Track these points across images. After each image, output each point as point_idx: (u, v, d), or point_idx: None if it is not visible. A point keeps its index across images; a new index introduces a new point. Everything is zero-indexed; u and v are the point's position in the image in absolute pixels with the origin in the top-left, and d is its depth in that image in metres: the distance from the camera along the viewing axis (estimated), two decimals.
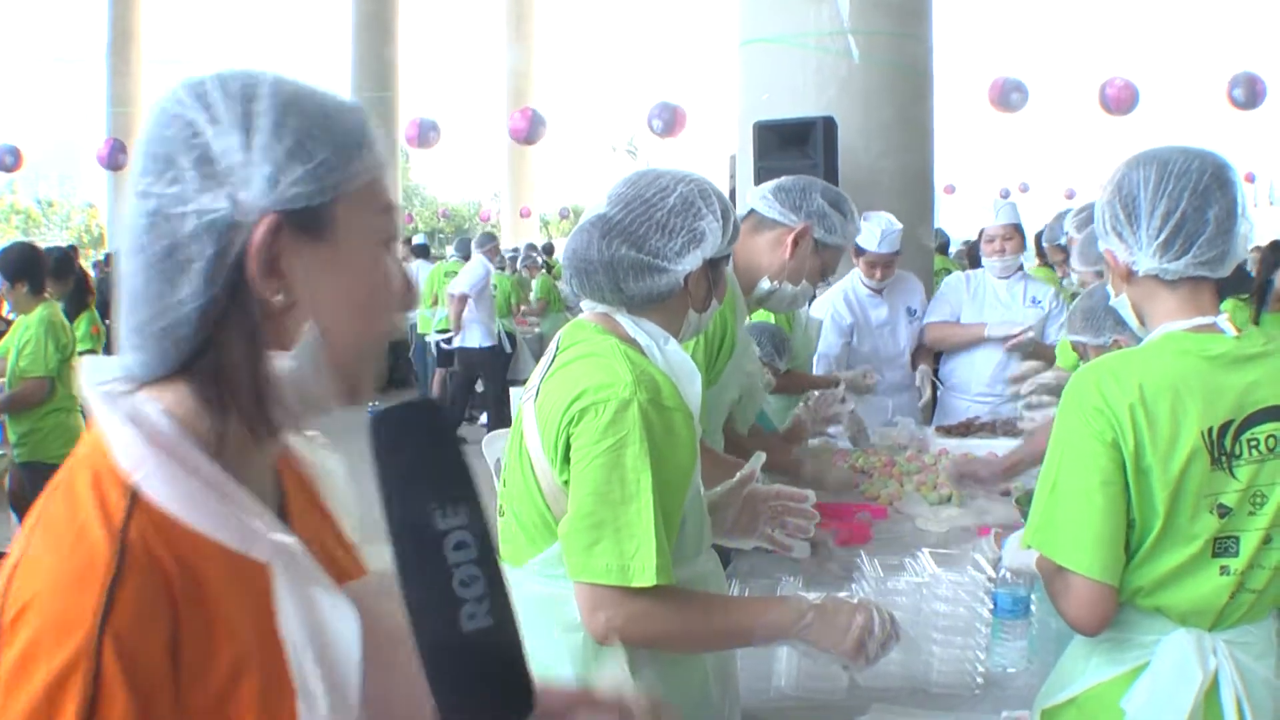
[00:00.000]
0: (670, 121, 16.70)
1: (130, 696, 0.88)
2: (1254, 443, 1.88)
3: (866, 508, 3.63)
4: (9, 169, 21.16)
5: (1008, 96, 16.24)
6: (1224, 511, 1.88)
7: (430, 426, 0.97)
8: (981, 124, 25.53)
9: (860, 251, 5.13)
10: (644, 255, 1.99)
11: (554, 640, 1.92)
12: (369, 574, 1.16)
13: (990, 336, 5.08)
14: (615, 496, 1.84)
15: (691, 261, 2.01)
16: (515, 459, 2.04)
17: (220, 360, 1.00)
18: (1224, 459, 1.87)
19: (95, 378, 1.02)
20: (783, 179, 2.98)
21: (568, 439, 1.89)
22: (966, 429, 4.88)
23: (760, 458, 2.28)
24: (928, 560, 2.47)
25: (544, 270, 15.78)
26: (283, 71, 1.07)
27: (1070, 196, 37.42)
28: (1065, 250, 4.86)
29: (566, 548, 1.90)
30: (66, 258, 7.19)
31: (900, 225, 5.11)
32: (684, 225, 1.99)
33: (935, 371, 5.36)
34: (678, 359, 2.01)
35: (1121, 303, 2.06)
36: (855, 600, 1.94)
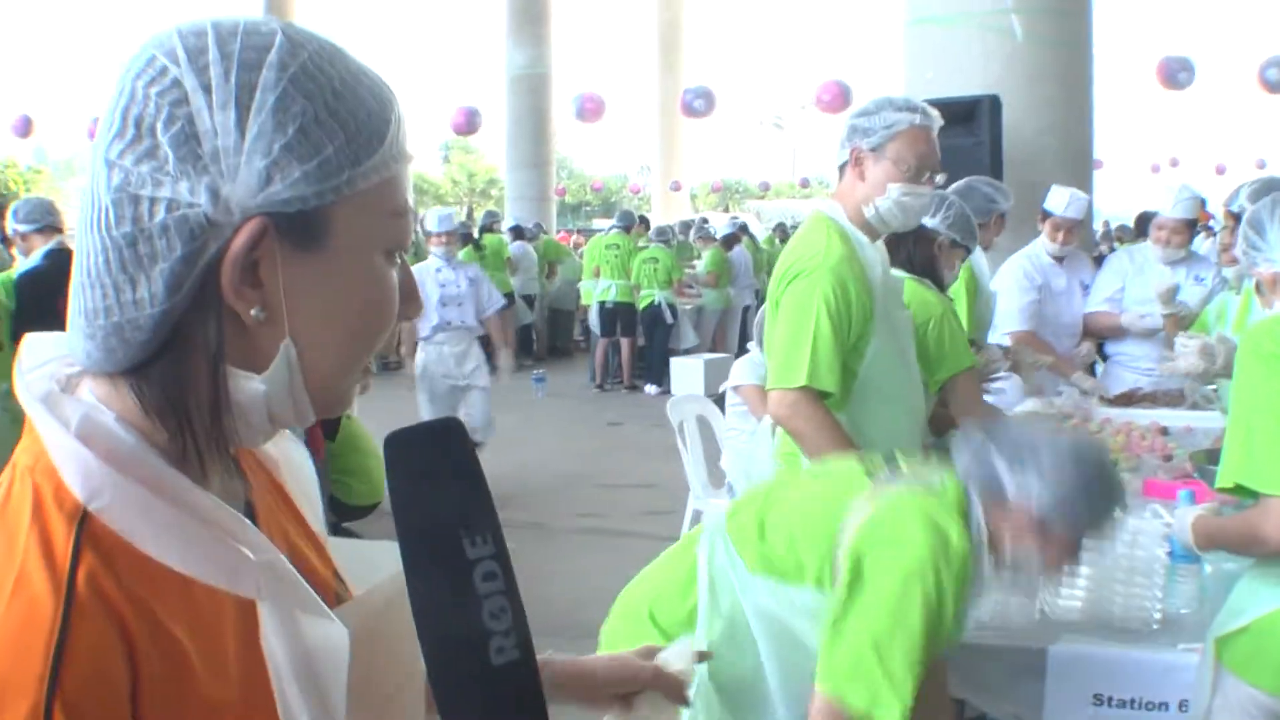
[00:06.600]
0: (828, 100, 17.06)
1: None
2: None
3: None
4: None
5: (1175, 75, 16.01)
6: None
7: (452, 450, 0.91)
8: (1132, 99, 24.99)
9: (1046, 215, 5.46)
10: None
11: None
12: (364, 593, 1.04)
13: (1127, 328, 5.33)
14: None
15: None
16: None
17: (178, 373, 0.84)
18: None
19: (31, 363, 0.88)
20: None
21: None
22: (1129, 399, 5.08)
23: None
24: None
25: (716, 244, 14.59)
26: (298, 25, 0.87)
27: (1221, 172, 36.11)
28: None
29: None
30: None
31: (1087, 196, 5.45)
32: None
33: (1100, 348, 5.58)
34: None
35: None
36: None
